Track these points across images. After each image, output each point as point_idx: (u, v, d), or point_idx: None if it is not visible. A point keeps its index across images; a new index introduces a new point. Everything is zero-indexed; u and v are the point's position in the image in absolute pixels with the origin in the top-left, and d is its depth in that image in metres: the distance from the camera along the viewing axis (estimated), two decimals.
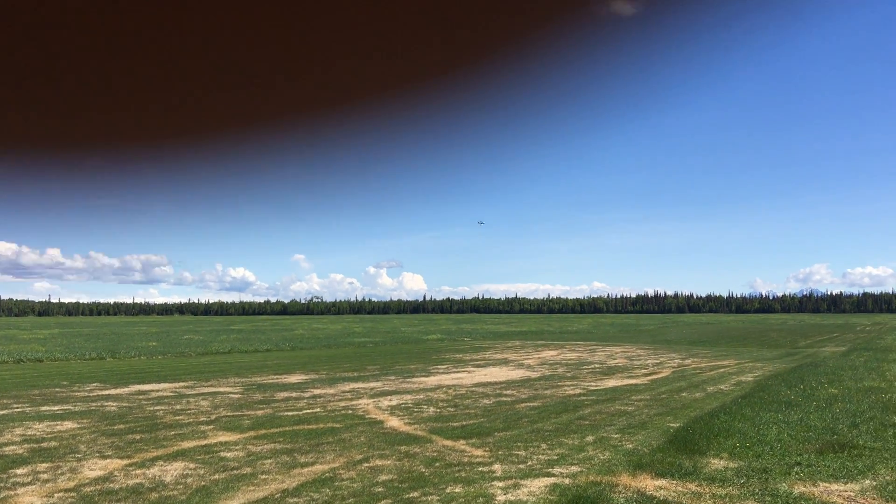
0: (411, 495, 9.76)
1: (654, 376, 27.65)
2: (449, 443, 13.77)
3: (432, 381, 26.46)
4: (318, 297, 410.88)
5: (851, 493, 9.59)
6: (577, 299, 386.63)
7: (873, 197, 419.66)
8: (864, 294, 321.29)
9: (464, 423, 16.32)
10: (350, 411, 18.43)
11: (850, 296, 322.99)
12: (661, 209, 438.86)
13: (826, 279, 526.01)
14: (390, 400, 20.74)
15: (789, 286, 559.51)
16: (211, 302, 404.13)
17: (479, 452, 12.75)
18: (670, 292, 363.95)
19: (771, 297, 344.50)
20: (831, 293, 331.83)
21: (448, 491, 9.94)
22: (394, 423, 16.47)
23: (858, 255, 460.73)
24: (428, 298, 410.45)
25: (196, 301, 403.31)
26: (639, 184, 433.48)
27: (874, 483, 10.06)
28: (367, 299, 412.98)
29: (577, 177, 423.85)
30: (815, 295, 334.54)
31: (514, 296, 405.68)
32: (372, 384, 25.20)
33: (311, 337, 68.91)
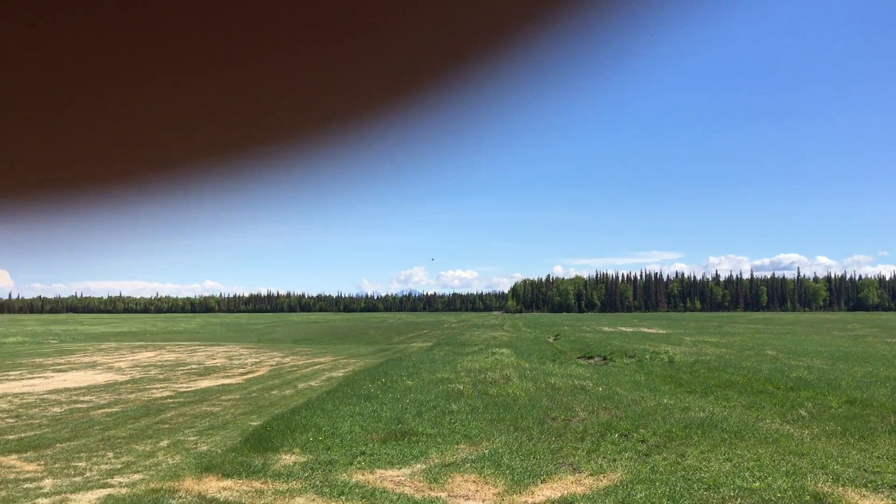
0: None
1: (250, 375, 27.54)
2: None
3: None
4: None
5: (402, 478, 10.39)
6: (189, 298, 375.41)
7: (466, 207, 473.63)
8: (454, 294, 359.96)
9: (22, 434, 14.53)
10: None
11: (443, 296, 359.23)
12: (272, 212, 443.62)
13: (423, 281, 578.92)
14: None
15: (392, 286, 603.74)
16: None
17: (31, 467, 11.39)
18: (283, 292, 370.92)
19: (376, 297, 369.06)
20: (427, 294, 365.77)
21: None
22: None
23: (450, 260, 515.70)
24: (14, 297, 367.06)
25: None
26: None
27: (424, 466, 11.02)
28: None
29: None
30: (414, 295, 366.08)
31: (118, 294, 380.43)
32: None
33: None
